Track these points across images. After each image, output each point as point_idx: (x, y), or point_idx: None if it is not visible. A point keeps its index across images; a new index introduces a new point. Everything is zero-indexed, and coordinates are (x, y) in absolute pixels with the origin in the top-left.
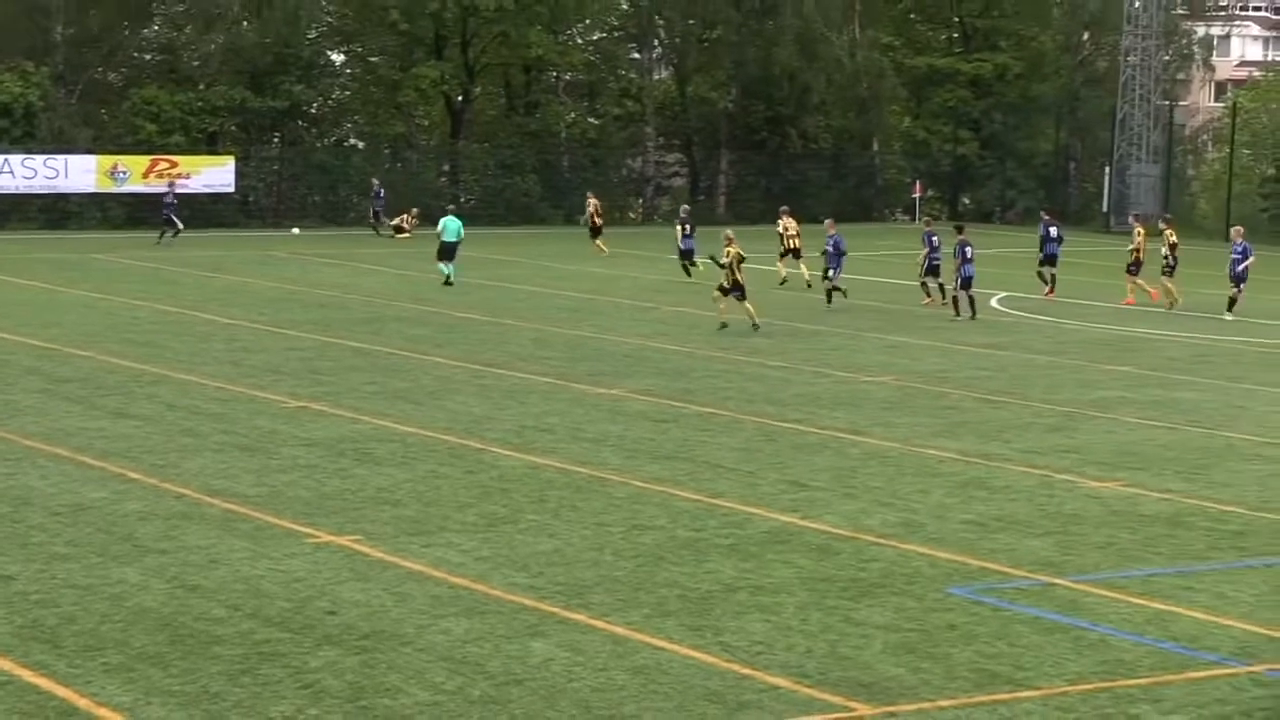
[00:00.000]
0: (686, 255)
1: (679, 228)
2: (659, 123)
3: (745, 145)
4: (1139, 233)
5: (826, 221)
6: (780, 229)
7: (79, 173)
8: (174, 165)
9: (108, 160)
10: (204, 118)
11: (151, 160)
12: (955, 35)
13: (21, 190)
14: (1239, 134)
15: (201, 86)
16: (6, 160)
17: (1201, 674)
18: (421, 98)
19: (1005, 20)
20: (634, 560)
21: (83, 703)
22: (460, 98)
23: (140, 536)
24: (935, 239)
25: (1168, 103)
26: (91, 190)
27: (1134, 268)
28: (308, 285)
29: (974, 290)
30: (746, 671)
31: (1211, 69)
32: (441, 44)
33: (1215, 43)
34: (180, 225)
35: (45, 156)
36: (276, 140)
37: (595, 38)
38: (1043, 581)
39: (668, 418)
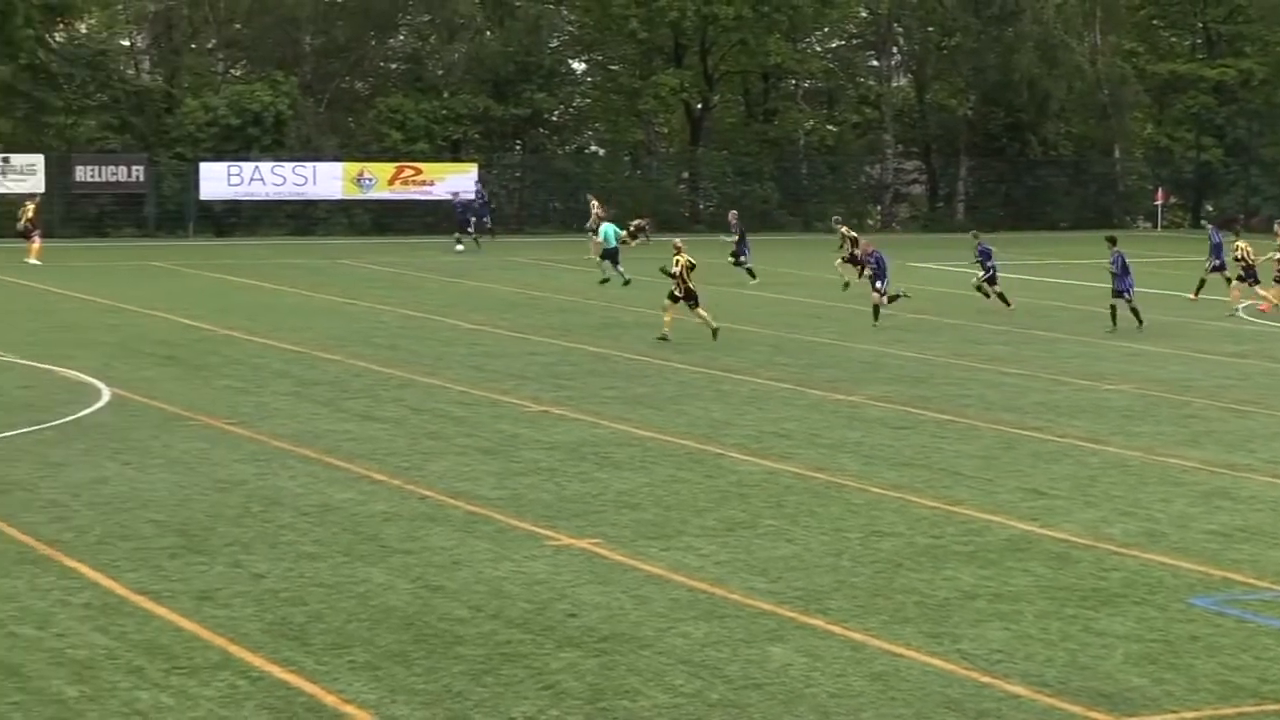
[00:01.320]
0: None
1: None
2: (897, 130)
3: (984, 152)
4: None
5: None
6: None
7: (326, 180)
8: (418, 172)
9: (354, 167)
10: (448, 125)
11: (397, 167)
12: (1199, 41)
13: (271, 197)
14: None
15: (445, 95)
16: (257, 168)
17: None
18: (661, 105)
19: (1250, 25)
20: (872, 566)
21: (330, 699)
22: (699, 105)
23: (385, 537)
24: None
25: None
26: (338, 197)
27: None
28: (548, 291)
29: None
30: (985, 679)
31: None
32: (681, 52)
33: None
34: (471, 232)
35: (294, 164)
36: (518, 147)
37: (834, 45)
38: None
39: (906, 424)
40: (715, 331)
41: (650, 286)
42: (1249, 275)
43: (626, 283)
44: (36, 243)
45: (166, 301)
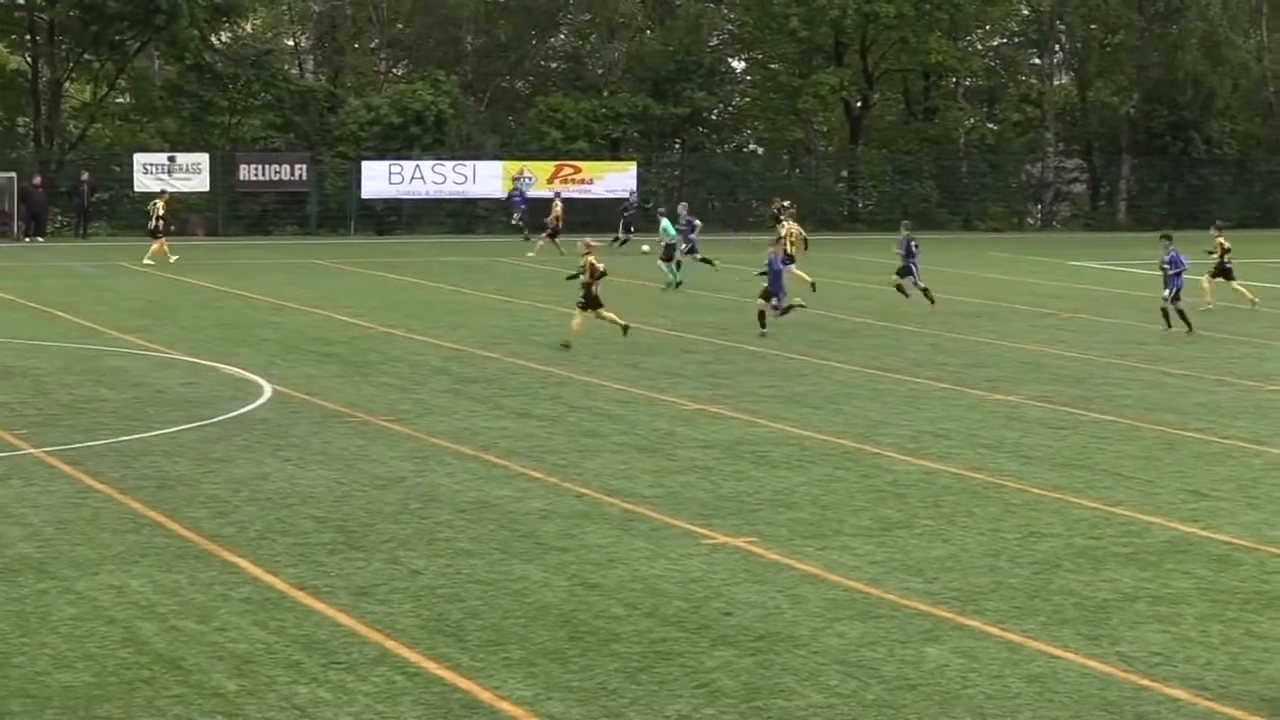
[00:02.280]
0: (691, 252)
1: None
2: (1059, 128)
3: (1147, 150)
4: None
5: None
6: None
7: (486, 178)
8: (577, 170)
9: (514, 166)
10: (607, 124)
11: (556, 166)
12: None
13: (432, 195)
14: None
15: (605, 94)
16: (418, 166)
17: None
18: (820, 104)
19: None
20: (1030, 568)
21: (485, 696)
22: (859, 104)
23: (542, 534)
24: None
25: None
26: (498, 195)
27: None
28: (706, 290)
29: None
30: (1144, 683)
31: None
32: (841, 50)
33: None
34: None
35: (454, 163)
36: (677, 146)
37: (995, 43)
38: None
39: (1065, 425)
40: (625, 329)
41: (801, 283)
42: None
43: (678, 285)
44: (157, 243)
45: (327, 299)
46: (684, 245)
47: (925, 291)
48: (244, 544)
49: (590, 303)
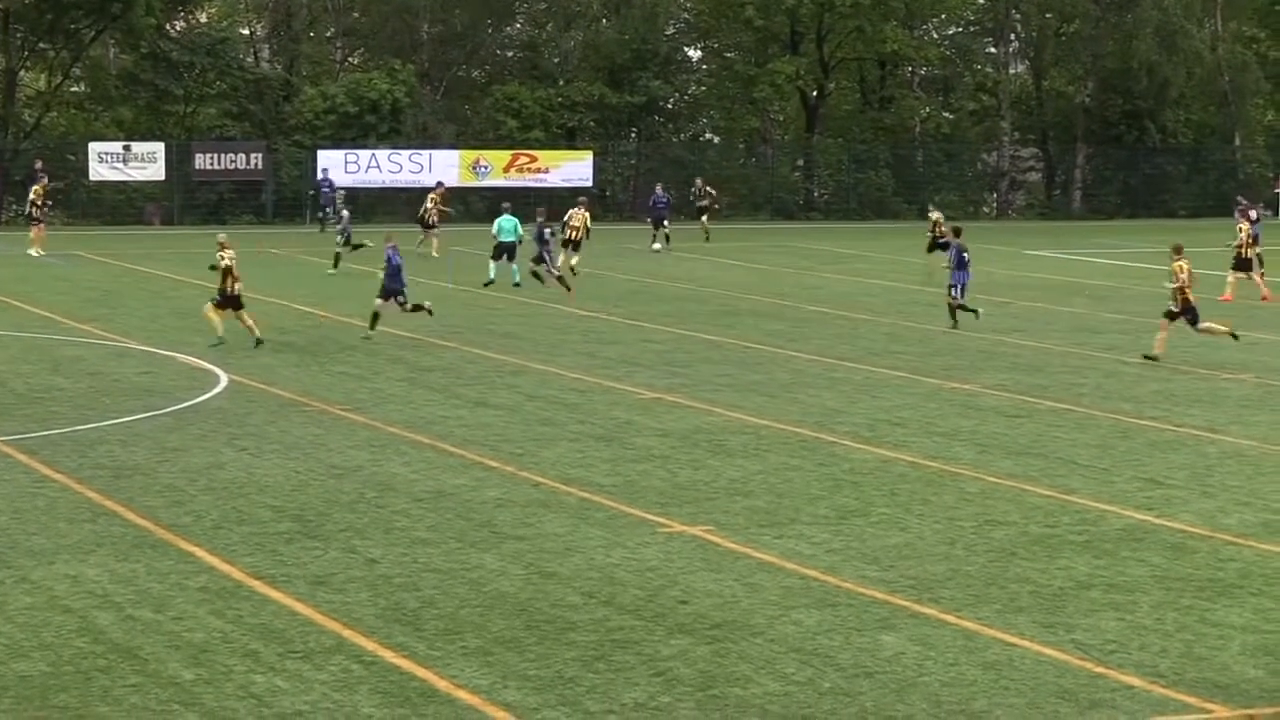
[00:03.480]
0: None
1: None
2: (1014, 117)
3: (1102, 139)
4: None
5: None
6: (574, 220)
7: (443, 167)
8: (533, 160)
9: (470, 155)
10: (563, 113)
11: (512, 155)
12: None
13: (388, 184)
14: None
15: (561, 83)
16: (374, 155)
17: None
18: (777, 93)
19: None
20: (985, 555)
21: (442, 684)
22: (815, 92)
23: (498, 523)
24: None
25: None
26: (454, 183)
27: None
28: (664, 279)
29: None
30: (1099, 670)
31: None
32: (797, 39)
33: None
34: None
35: (410, 151)
36: (634, 135)
37: (950, 32)
38: None
39: (1021, 413)
40: (259, 342)
41: (771, 275)
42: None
43: (515, 285)
44: (35, 229)
45: (283, 288)
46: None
47: (561, 279)
48: (200, 533)
49: (230, 302)
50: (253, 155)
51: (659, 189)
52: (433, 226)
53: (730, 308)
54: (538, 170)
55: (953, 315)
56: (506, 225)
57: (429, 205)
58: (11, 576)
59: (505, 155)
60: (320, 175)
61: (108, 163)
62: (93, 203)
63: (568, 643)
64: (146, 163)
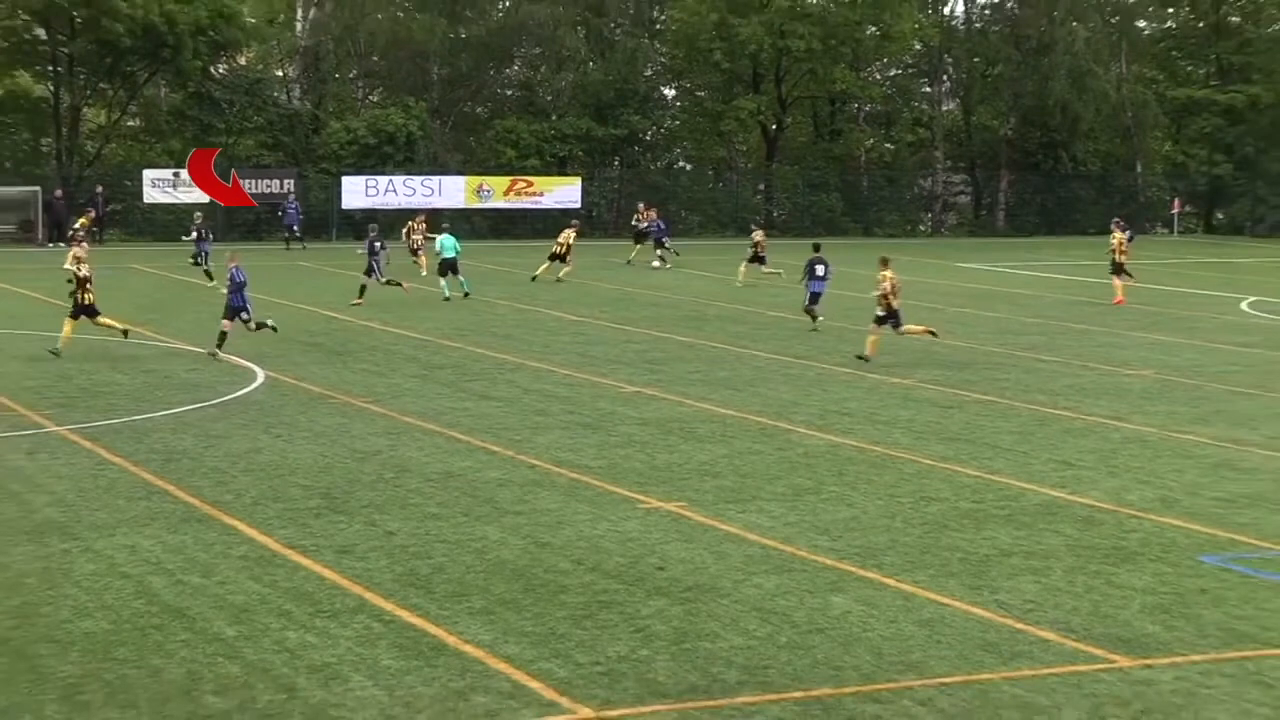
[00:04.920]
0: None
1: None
2: (947, 147)
3: (1022, 167)
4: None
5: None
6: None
7: (451, 191)
8: (530, 185)
9: (475, 180)
10: (555, 144)
11: (511, 180)
12: (1212, 70)
13: (403, 206)
14: None
15: (553, 118)
16: (391, 181)
17: None
18: (740, 126)
19: (1257, 56)
20: (921, 527)
21: (450, 640)
22: (774, 126)
23: (499, 500)
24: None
25: None
26: (461, 206)
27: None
28: (643, 288)
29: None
30: (1020, 626)
31: None
32: (758, 80)
33: None
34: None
35: (423, 177)
36: (616, 163)
37: (892, 74)
38: None
39: (952, 404)
40: (126, 331)
41: (724, 283)
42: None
43: (465, 295)
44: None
45: (312, 297)
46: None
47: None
48: (240, 509)
49: (86, 311)
50: (285, 180)
51: (655, 214)
52: (418, 250)
53: (700, 313)
54: (533, 194)
55: (811, 318)
56: (447, 243)
57: (412, 230)
58: (77, 547)
59: (505, 181)
60: (291, 201)
61: (159, 187)
62: (147, 222)
63: (559, 604)
64: (193, 186)
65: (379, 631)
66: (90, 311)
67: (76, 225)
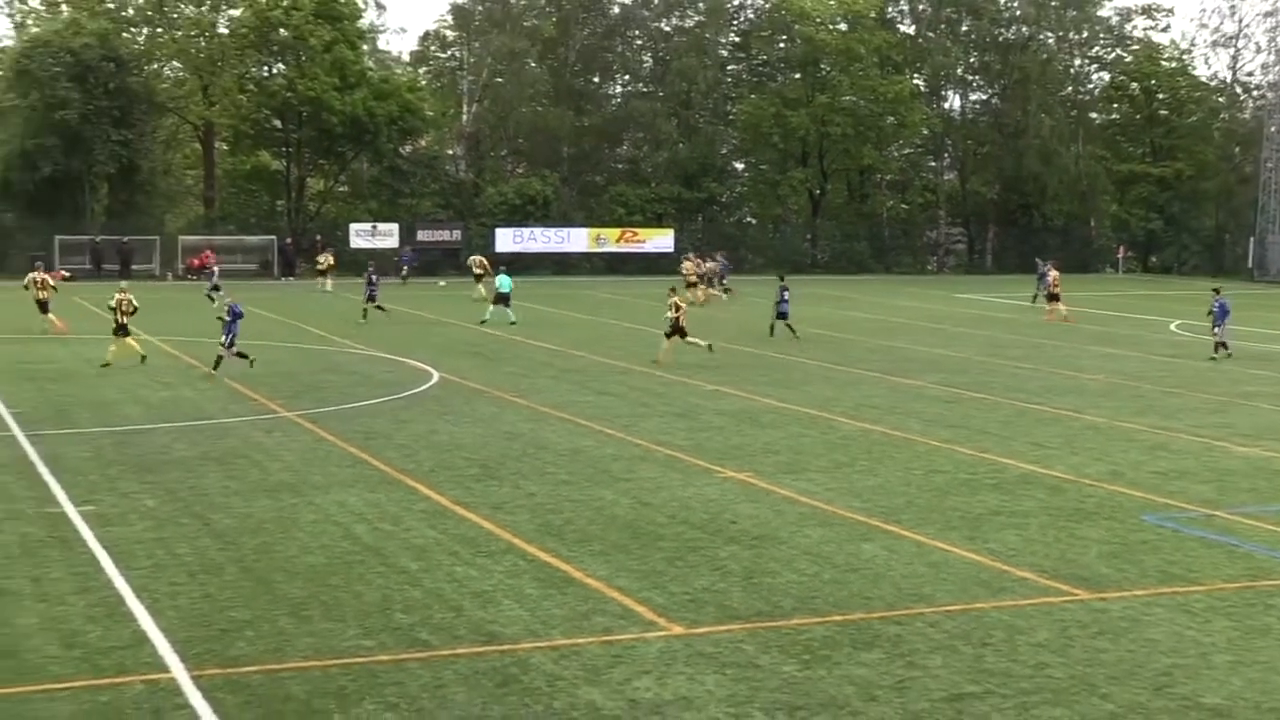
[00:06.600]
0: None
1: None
2: (948, 207)
3: (1005, 222)
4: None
5: None
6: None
7: (576, 239)
8: (635, 234)
9: (594, 231)
10: (654, 204)
11: (621, 231)
12: (1148, 150)
13: (540, 250)
14: None
15: (652, 184)
16: (532, 232)
17: None
18: (792, 191)
19: (1183, 139)
20: (930, 493)
21: (576, 575)
22: (818, 191)
23: (613, 470)
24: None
25: None
26: (584, 250)
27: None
28: (717, 310)
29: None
30: (1005, 567)
31: None
32: (806, 156)
33: None
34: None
35: (555, 229)
36: (699, 218)
37: (905, 152)
38: (1206, 513)
39: (953, 400)
40: (143, 357)
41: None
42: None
43: (511, 323)
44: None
45: (474, 317)
46: (721, 283)
47: (370, 310)
48: (421, 475)
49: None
50: (453, 231)
51: (721, 256)
52: (481, 277)
53: (761, 331)
54: (638, 241)
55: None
56: (504, 281)
57: (476, 264)
58: (303, 502)
59: (616, 231)
60: (408, 251)
61: (361, 236)
62: (352, 262)
63: (658, 548)
64: (386, 235)
65: (523, 567)
66: (124, 330)
67: (320, 262)
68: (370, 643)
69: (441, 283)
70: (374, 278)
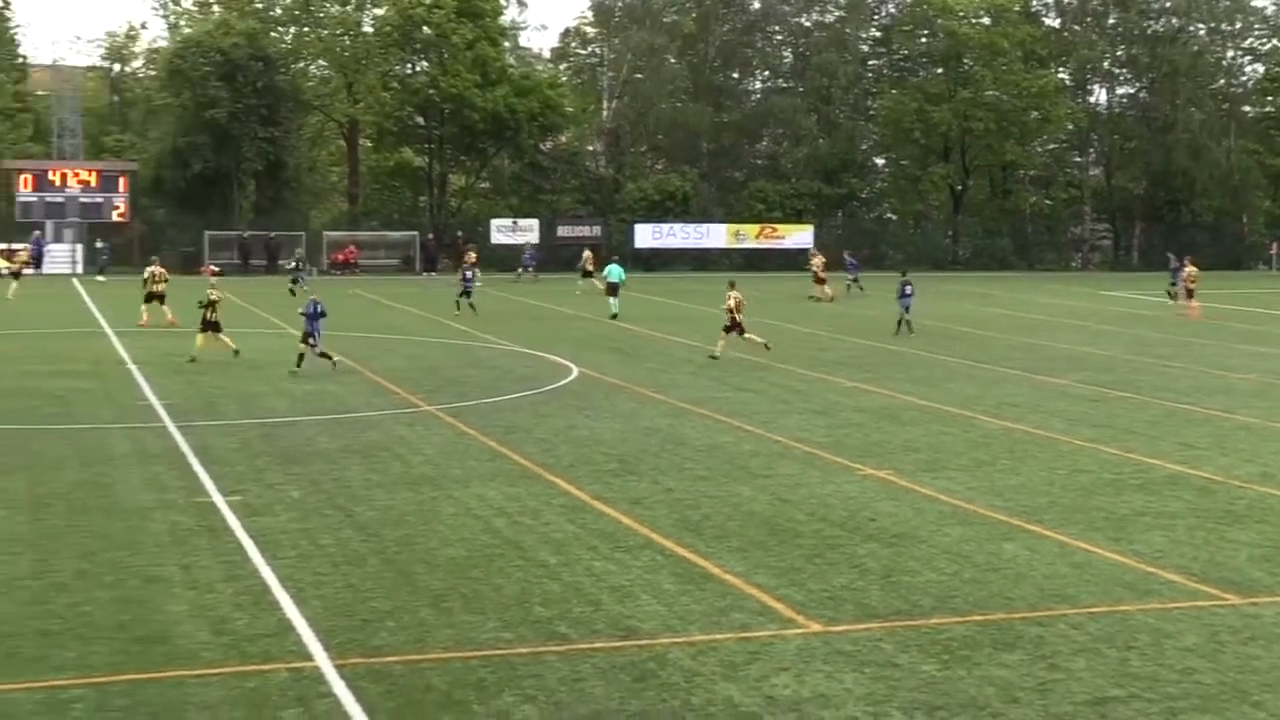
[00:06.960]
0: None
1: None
2: (1093, 203)
3: (1152, 219)
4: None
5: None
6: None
7: (715, 235)
8: (775, 230)
9: (734, 228)
10: (794, 200)
11: (760, 227)
12: None
13: (679, 246)
14: None
15: (792, 180)
16: (672, 227)
17: None
18: (934, 187)
19: None
20: (1074, 492)
21: (715, 570)
22: (959, 187)
23: (751, 466)
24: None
25: None
26: (723, 246)
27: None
28: (863, 307)
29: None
30: (1151, 569)
31: None
32: (948, 152)
33: None
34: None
35: (695, 225)
36: (839, 214)
37: (1050, 147)
38: None
39: (1098, 399)
40: (236, 352)
41: (918, 308)
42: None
43: (613, 316)
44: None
45: (604, 312)
46: (849, 277)
47: (471, 305)
48: (560, 469)
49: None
50: (594, 226)
51: (847, 254)
52: (590, 274)
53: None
54: (777, 237)
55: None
56: (615, 271)
57: (587, 259)
58: (443, 495)
59: (756, 228)
60: (530, 251)
61: (503, 232)
62: (494, 258)
63: (796, 545)
64: (527, 231)
65: (661, 563)
66: (215, 327)
67: (465, 262)
68: (509, 635)
69: (579, 288)
70: (469, 273)
